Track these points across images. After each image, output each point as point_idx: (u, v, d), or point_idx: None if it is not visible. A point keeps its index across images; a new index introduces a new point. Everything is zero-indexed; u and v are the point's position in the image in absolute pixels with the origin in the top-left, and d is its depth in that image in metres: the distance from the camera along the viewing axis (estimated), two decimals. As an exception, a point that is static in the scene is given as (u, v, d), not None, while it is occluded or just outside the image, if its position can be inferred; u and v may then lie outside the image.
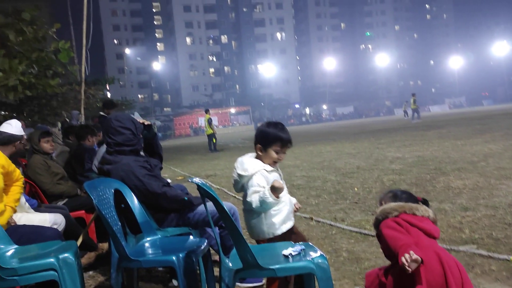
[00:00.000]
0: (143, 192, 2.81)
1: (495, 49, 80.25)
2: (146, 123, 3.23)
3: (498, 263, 2.95)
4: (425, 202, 2.23)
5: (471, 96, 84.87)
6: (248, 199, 2.37)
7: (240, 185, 2.49)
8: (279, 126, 2.51)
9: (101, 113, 8.08)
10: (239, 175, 2.46)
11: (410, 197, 2.22)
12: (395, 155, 9.55)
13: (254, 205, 2.33)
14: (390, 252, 1.91)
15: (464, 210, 4.37)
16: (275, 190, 2.27)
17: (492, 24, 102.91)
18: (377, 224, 2.08)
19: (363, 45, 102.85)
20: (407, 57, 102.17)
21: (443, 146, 10.33)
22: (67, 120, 13.13)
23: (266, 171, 2.44)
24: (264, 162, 2.47)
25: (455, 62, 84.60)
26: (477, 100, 79.93)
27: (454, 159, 7.94)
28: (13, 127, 3.59)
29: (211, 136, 18.10)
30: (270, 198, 2.26)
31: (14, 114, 15.30)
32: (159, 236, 2.74)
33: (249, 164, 2.45)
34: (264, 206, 2.31)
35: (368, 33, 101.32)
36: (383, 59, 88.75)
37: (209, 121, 18.08)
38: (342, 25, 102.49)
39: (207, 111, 19.27)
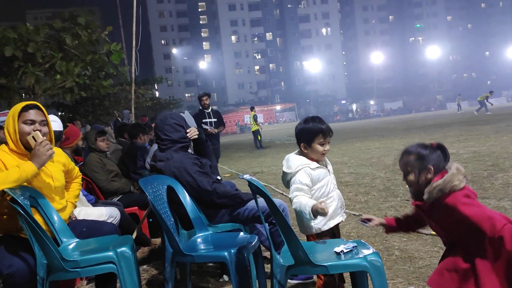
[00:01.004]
0: (195, 189, 2.88)
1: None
2: (192, 136, 3.19)
3: None
4: (440, 147, 1.98)
5: (531, 88, 79.82)
6: (290, 195, 2.39)
7: (286, 182, 2.50)
8: (316, 119, 2.51)
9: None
10: (284, 173, 2.49)
11: (435, 151, 1.94)
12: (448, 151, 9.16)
13: (293, 206, 2.35)
14: (472, 235, 1.75)
15: (526, 209, 4.14)
16: (317, 212, 2.22)
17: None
18: (436, 199, 1.84)
19: (412, 38, 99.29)
20: (460, 48, 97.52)
21: (501, 141, 9.80)
22: (119, 119, 13.65)
23: (310, 168, 2.42)
24: (312, 159, 2.46)
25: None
26: (539, 92, 75.06)
27: (513, 155, 7.51)
28: (57, 123, 3.75)
29: (256, 133, 18.21)
30: (307, 216, 2.24)
31: (71, 114, 16.11)
32: (210, 232, 2.79)
33: (293, 161, 2.46)
34: (300, 214, 2.32)
35: (418, 25, 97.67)
36: (434, 52, 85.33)
37: (255, 118, 18.20)
38: (390, 17, 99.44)
39: (252, 108, 19.54)
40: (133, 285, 2.32)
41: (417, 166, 1.92)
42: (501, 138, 10.35)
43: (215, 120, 7.96)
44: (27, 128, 2.51)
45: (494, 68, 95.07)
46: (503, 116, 21.04)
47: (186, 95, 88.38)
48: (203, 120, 7.79)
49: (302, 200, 2.29)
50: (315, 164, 2.45)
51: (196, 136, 3.22)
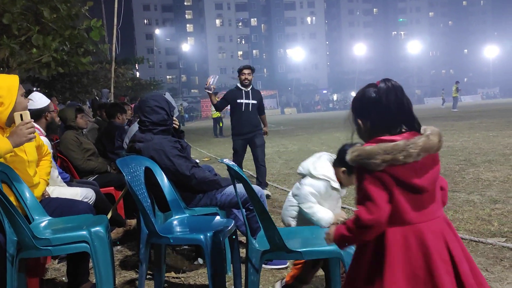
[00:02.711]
0: (173, 172, 2.86)
1: (534, 39, 76.87)
2: (175, 125, 3.21)
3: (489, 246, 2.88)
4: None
5: (505, 87, 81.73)
6: (302, 194, 2.36)
7: (299, 172, 2.46)
8: None
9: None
10: (306, 166, 2.42)
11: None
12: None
13: (307, 210, 2.34)
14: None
15: (494, 203, 4.27)
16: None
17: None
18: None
19: (395, 31, 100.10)
20: (440, 44, 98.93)
21: (473, 137, 10.06)
22: (97, 98, 13.39)
23: (332, 186, 2.36)
24: (337, 179, 2.33)
25: (491, 51, 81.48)
26: (512, 91, 77.14)
27: (484, 151, 7.72)
28: (36, 101, 3.66)
29: (217, 120, 17.57)
30: (324, 224, 2.25)
31: (47, 90, 15.70)
32: (187, 214, 2.79)
33: (322, 166, 2.36)
34: (314, 222, 2.33)
35: (401, 19, 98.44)
36: (415, 47, 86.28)
37: None
38: (375, 10, 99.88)
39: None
40: (106, 265, 2.31)
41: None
42: (474, 135, 10.61)
43: (254, 102, 5.67)
44: (25, 101, 2.42)
45: (472, 66, 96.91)
46: (477, 113, 21.55)
47: (168, 77, 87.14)
48: (238, 101, 5.64)
49: (320, 209, 2.30)
50: (337, 184, 2.35)
51: (176, 127, 3.21)
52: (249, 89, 5.69)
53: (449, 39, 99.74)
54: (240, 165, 5.59)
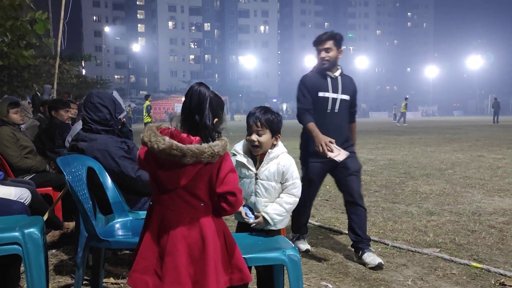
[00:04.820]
0: (118, 174, 2.76)
1: (470, 62, 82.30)
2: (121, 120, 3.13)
3: (459, 267, 3.05)
4: None
5: (443, 106, 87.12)
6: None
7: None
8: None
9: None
10: None
11: None
12: (367, 156, 9.70)
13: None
14: None
15: (430, 215, 4.49)
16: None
17: (468, 37, 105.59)
18: None
19: (344, 46, 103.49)
20: (386, 62, 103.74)
21: (413, 152, 10.58)
22: (38, 93, 12.73)
23: (236, 159, 2.34)
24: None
25: (431, 71, 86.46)
26: (449, 110, 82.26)
27: (423, 165, 8.13)
28: None
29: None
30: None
31: (-18, 83, 14.75)
32: (131, 218, 2.69)
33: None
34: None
35: (350, 35, 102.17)
36: (362, 62, 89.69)
37: (148, 109, 16.25)
38: (326, 24, 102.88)
39: (147, 97, 16.87)
40: (39, 270, 2.17)
41: None
42: (414, 149, 11.17)
43: (346, 98, 3.35)
44: None
45: (413, 84, 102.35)
46: (418, 129, 22.74)
47: (116, 76, 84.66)
48: (320, 94, 3.29)
49: None
50: (242, 158, 2.27)
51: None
52: (337, 74, 3.34)
53: (394, 57, 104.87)
54: (310, 205, 3.53)
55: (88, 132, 2.85)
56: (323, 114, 3.27)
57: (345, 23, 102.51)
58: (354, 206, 3.27)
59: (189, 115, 1.66)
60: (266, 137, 2.23)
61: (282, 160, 2.28)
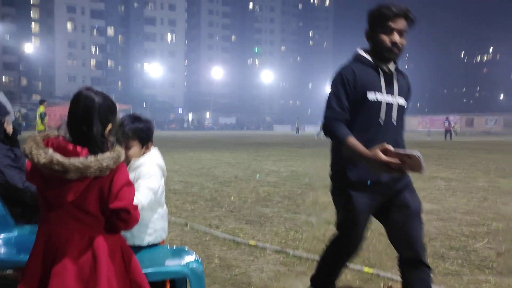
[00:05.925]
0: (2, 184, 2.48)
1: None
2: (7, 130, 2.75)
3: (353, 272, 3.24)
4: None
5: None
6: None
7: None
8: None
9: None
10: None
11: None
12: (271, 168, 9.99)
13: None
14: None
15: (328, 224, 4.73)
16: None
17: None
18: None
19: (250, 60, 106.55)
20: (289, 77, 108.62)
21: (314, 164, 11.13)
22: None
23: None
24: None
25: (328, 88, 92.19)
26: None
27: (322, 176, 8.58)
28: None
29: None
30: None
31: None
32: (16, 233, 2.44)
33: None
34: None
35: (256, 49, 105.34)
36: (267, 76, 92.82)
37: (42, 116, 14.46)
38: (233, 37, 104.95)
39: (41, 102, 15.07)
40: None
41: None
42: (315, 161, 11.76)
43: (403, 103, 2.24)
44: None
45: (314, 100, 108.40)
46: (319, 142, 24.03)
47: (3, 78, 77.12)
48: (370, 97, 2.15)
49: None
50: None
51: (9, 132, 2.76)
52: (393, 69, 2.22)
53: (297, 73, 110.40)
54: (351, 255, 2.52)
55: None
56: (372, 126, 2.16)
57: (252, 38, 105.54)
58: (417, 265, 2.18)
59: (76, 124, 1.53)
60: (134, 149, 2.16)
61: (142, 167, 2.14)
